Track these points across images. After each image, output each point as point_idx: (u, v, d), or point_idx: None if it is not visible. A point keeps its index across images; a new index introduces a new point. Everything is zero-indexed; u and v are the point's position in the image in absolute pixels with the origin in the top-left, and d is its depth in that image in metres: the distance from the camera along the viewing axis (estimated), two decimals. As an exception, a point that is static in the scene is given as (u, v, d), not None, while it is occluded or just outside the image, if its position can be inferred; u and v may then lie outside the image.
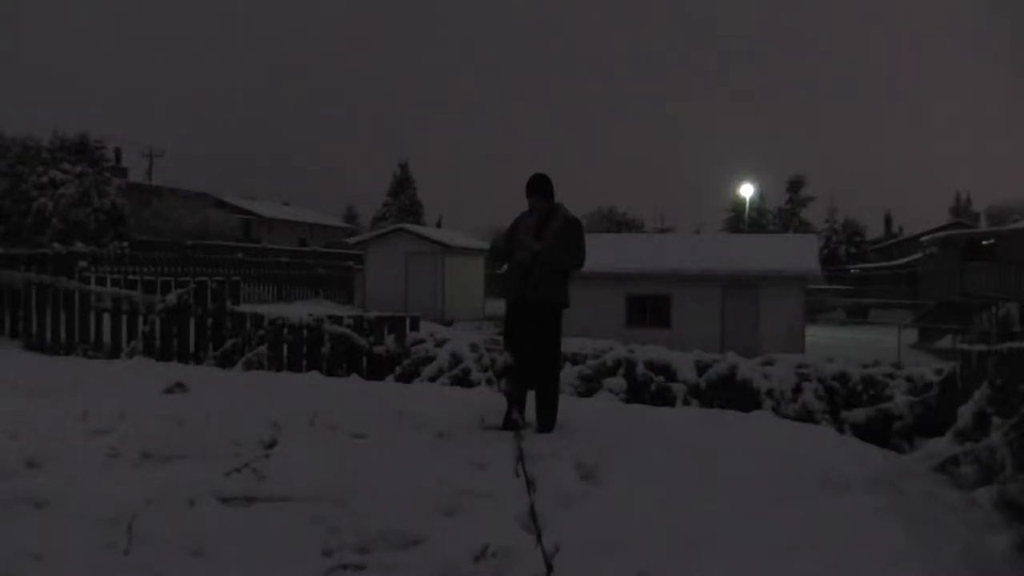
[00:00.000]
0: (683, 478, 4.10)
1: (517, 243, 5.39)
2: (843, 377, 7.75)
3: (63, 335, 9.53)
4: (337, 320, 8.98)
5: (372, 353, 8.73)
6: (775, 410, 7.42)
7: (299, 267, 26.61)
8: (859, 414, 7.46)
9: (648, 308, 23.98)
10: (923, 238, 40.35)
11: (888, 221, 61.10)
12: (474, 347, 8.72)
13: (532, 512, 2.04)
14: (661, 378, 7.92)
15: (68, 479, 3.68)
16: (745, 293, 23.17)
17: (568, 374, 7.76)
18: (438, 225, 51.76)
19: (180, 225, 30.51)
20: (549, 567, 2.13)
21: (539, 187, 5.39)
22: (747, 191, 49.19)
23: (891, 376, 7.77)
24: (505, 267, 5.65)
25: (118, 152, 40.52)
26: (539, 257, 5.25)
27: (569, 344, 7.47)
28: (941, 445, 5.22)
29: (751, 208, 55.24)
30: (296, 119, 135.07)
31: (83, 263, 11.15)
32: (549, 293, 5.33)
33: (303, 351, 8.82)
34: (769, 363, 8.03)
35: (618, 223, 58.61)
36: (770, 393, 7.62)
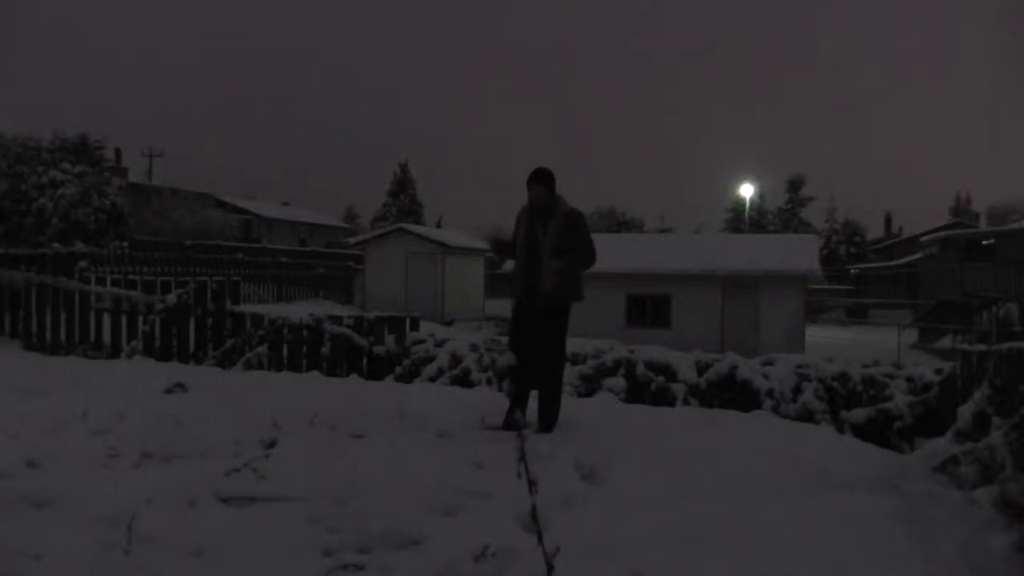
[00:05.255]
0: (683, 478, 4.10)
1: (528, 247, 5.38)
2: (843, 377, 7.74)
3: (63, 335, 9.53)
4: (337, 320, 8.98)
5: (372, 353, 8.72)
6: (775, 410, 7.41)
7: (299, 267, 26.62)
8: (859, 414, 7.46)
9: (648, 308, 24.00)
10: (923, 238, 40.37)
11: (888, 221, 61.15)
12: (474, 347, 8.71)
13: (534, 512, 2.03)
14: (661, 378, 7.92)
15: (68, 479, 3.68)
16: (745, 293, 23.18)
17: (568, 374, 7.74)
18: (438, 225, 51.73)
19: (180, 225, 30.55)
20: (550, 567, 2.13)
21: (537, 176, 5.32)
22: (747, 191, 49.19)
23: (891, 376, 7.76)
24: (510, 264, 5.64)
25: (118, 152, 40.53)
26: (560, 273, 5.24)
27: (569, 344, 7.46)
28: (941, 445, 5.21)
29: (751, 208, 55.22)
30: (296, 119, 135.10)
31: (83, 263, 11.14)
32: (560, 292, 5.33)
33: (303, 351, 8.81)
34: (769, 363, 8.02)
35: (618, 223, 58.66)
36: (770, 393, 7.61)
